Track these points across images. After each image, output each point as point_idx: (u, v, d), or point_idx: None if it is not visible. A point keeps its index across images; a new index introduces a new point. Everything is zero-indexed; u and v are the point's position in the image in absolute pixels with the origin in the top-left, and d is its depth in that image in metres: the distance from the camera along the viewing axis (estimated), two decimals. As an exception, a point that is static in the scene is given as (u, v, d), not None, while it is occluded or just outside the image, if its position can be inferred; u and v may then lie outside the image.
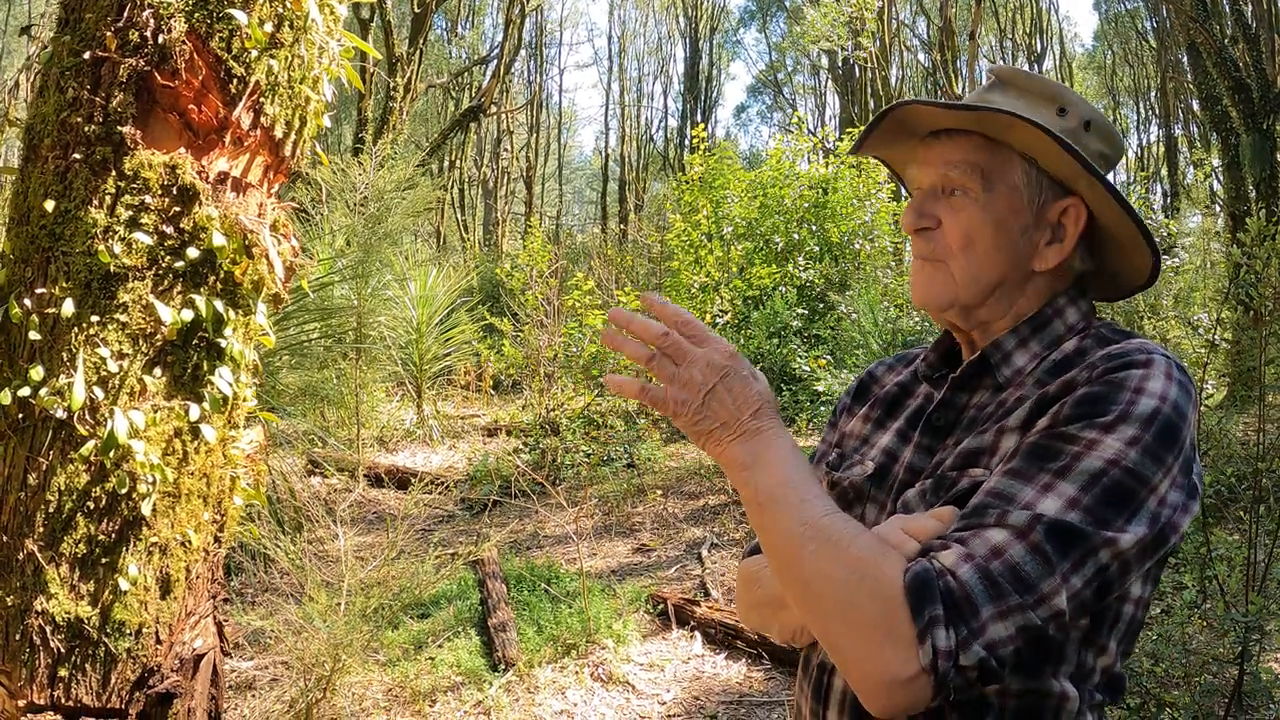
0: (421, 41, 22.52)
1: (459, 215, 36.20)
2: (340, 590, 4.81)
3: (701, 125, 15.86)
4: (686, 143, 35.66)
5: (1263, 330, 4.44)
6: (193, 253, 2.16)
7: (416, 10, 22.54)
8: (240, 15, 2.17)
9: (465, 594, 6.57)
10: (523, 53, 34.91)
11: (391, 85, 20.94)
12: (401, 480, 9.95)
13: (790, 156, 15.08)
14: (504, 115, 35.15)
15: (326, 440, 10.10)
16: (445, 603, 6.45)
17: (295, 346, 9.19)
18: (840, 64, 25.43)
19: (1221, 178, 14.52)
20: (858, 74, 26.65)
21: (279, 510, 7.02)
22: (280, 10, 2.26)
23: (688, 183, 14.86)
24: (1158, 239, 11.95)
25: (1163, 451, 1.17)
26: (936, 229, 1.41)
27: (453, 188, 34.79)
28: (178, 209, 2.15)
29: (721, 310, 13.03)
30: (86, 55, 2.13)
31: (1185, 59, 17.10)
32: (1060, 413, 1.22)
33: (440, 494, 9.47)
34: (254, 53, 2.22)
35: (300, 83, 2.35)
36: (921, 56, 37.60)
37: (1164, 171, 32.50)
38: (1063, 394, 1.25)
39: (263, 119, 2.28)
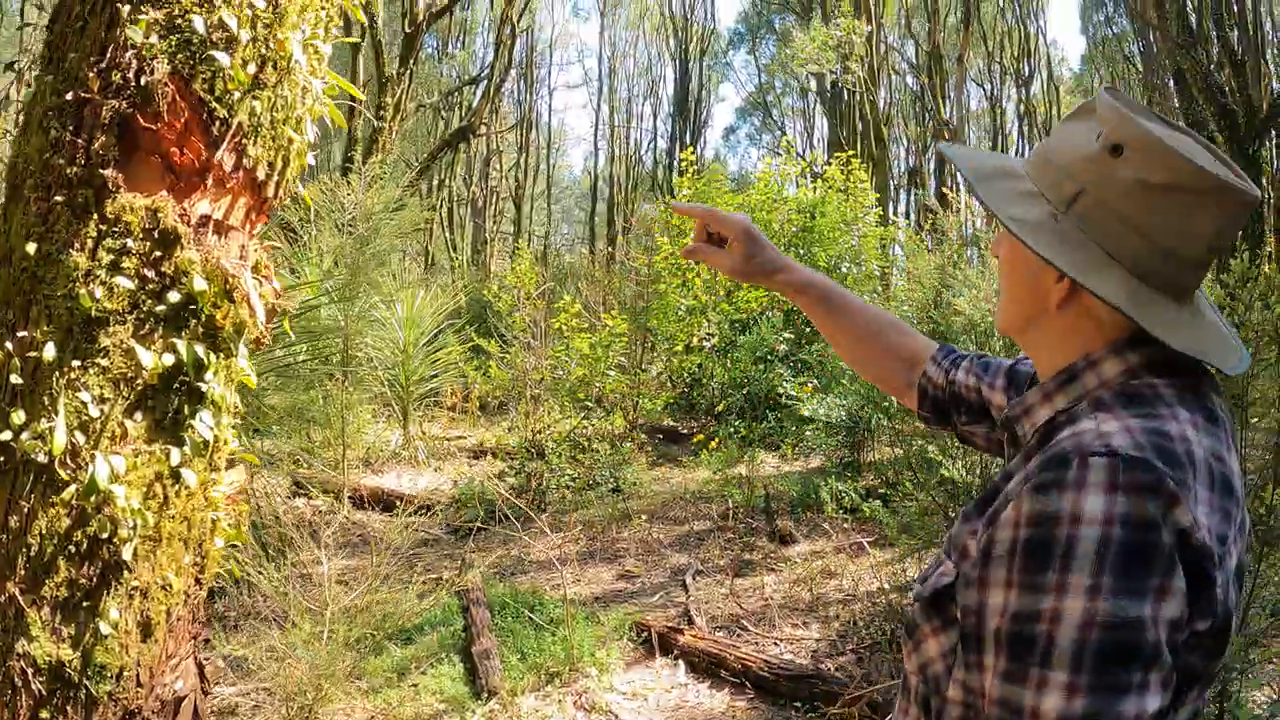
0: (412, 61, 22.54)
1: (447, 234, 36.20)
2: (324, 618, 4.80)
3: (690, 149, 15.87)
4: (675, 164, 35.75)
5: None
6: (174, 297, 2.17)
7: (407, 30, 22.57)
8: (223, 57, 2.18)
9: (449, 620, 6.56)
10: (513, 72, 35.00)
11: (381, 105, 20.94)
12: (387, 503, 9.94)
13: (779, 180, 15.12)
14: (494, 136, 35.18)
15: (312, 461, 10.08)
16: (429, 628, 6.44)
17: (282, 369, 9.17)
18: (829, 87, 25.51)
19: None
20: (846, 97, 26.74)
21: (262, 533, 7.00)
22: (264, 51, 2.28)
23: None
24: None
25: (1135, 579, 1.02)
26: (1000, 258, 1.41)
27: (441, 207, 34.82)
28: (159, 253, 2.16)
29: (708, 334, 13.05)
30: (69, 96, 2.13)
31: (1172, 84, 17.21)
32: (1009, 568, 1.09)
33: (425, 517, 9.46)
34: (237, 94, 2.23)
35: (283, 123, 2.36)
36: (910, 79, 37.80)
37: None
38: (1003, 508, 1.14)
39: (245, 161, 2.29)
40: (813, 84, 23.02)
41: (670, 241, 14.26)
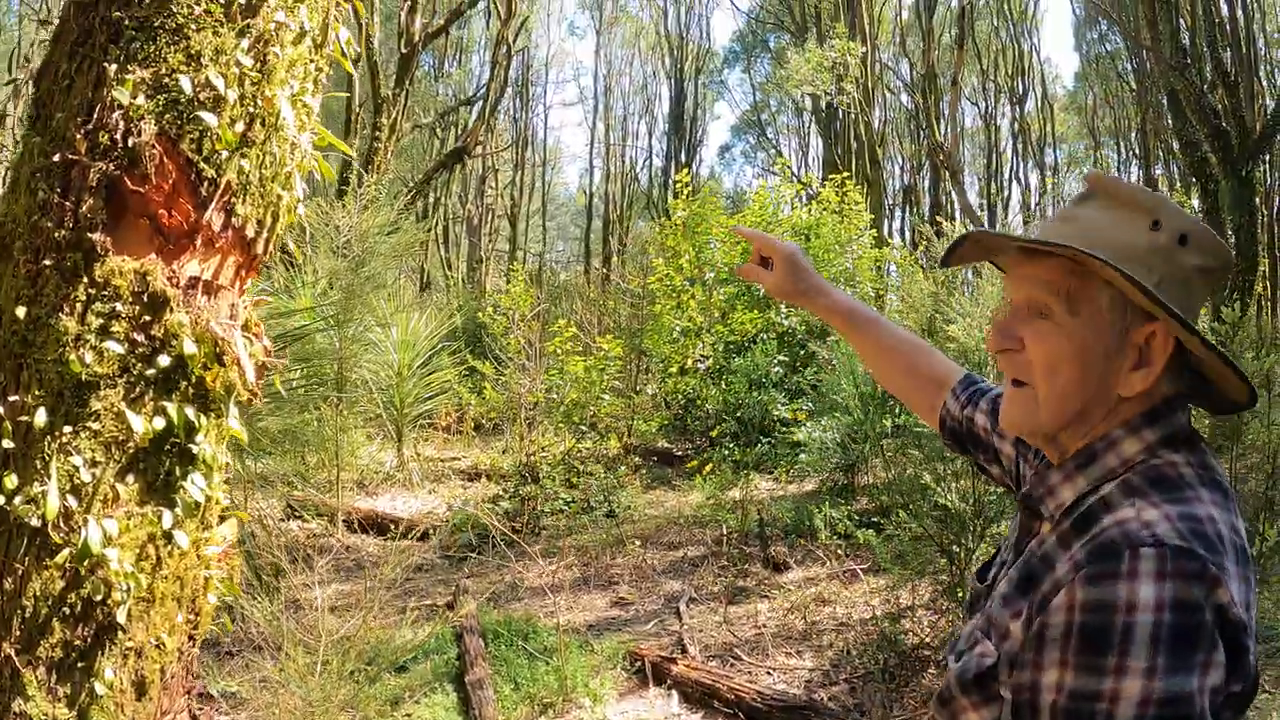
0: (408, 82, 22.58)
1: (443, 252, 36.25)
2: (317, 650, 4.79)
3: (685, 169, 15.96)
4: (671, 182, 35.83)
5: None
6: (164, 360, 2.18)
7: (403, 51, 22.62)
8: (210, 118, 2.19)
9: (443, 648, 6.56)
10: (509, 90, 35.07)
11: (377, 125, 20.97)
12: (381, 526, 9.94)
13: (774, 201, 15.15)
14: (489, 155, 35.23)
15: (305, 483, 10.08)
16: (422, 656, 6.43)
17: (275, 393, 9.17)
18: (824, 107, 25.61)
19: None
20: (841, 116, 26.84)
21: (255, 560, 6.99)
22: (251, 109, 2.29)
23: (671, 227, 14.92)
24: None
25: (1185, 657, 1.10)
26: (1020, 351, 1.39)
27: (437, 225, 34.85)
28: (148, 317, 2.17)
29: (703, 355, 13.06)
30: (57, 157, 2.14)
31: (1165, 104, 17.27)
32: (1064, 649, 1.16)
33: (419, 542, 9.46)
34: (225, 153, 2.24)
35: (272, 180, 2.37)
36: (904, 98, 37.90)
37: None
38: (1053, 594, 1.21)
39: (234, 220, 2.30)
40: (808, 103, 23.07)
41: (665, 263, 14.28)
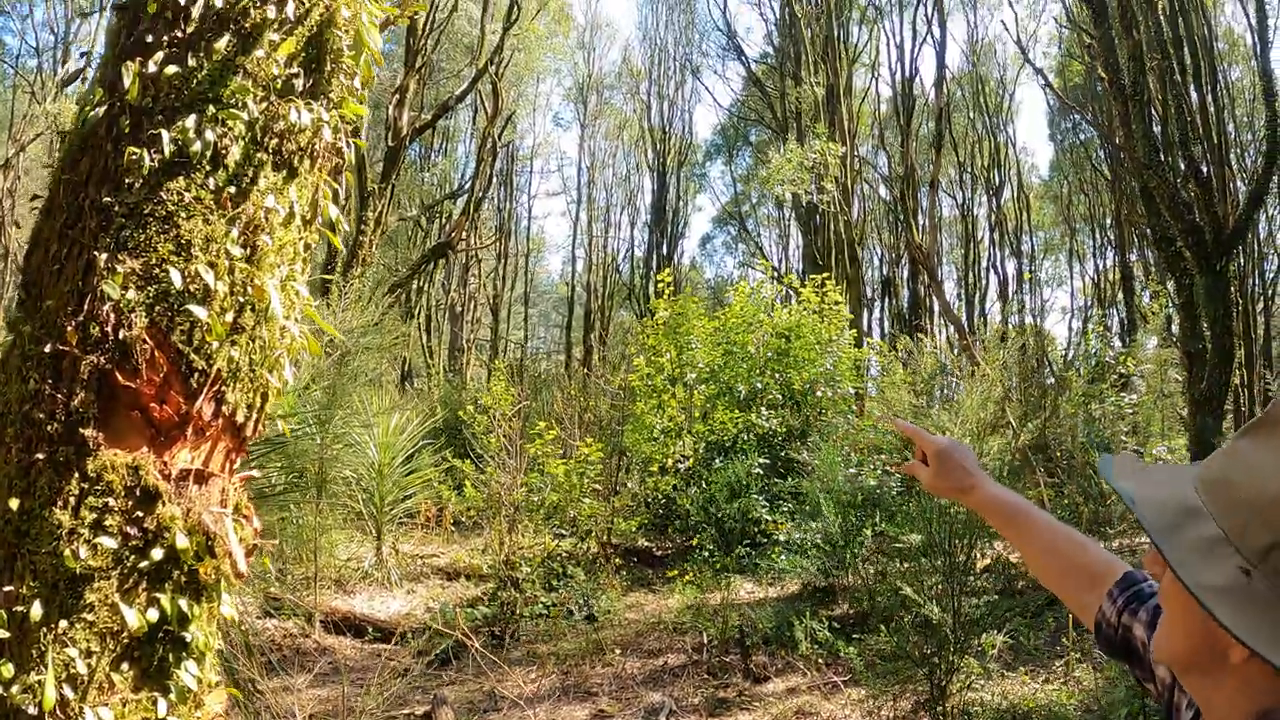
0: (394, 176, 22.79)
1: (425, 340, 36.30)
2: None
3: (667, 268, 16.14)
4: (652, 273, 36.09)
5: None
6: (157, 553, 2.22)
7: (390, 144, 22.85)
8: (200, 311, 2.24)
9: (420, 767, 6.49)
10: (493, 180, 35.38)
11: (362, 219, 21.11)
12: (358, 627, 9.87)
13: (756, 302, 15.26)
14: (473, 250, 35.46)
15: (283, 580, 10.03)
16: (400, 774, 6.37)
17: (257, 490, 9.16)
18: (804, 203, 25.94)
19: (1176, 317, 14.83)
20: (820, 212, 27.17)
21: (233, 664, 6.92)
22: (241, 298, 2.34)
23: (653, 326, 15.03)
24: (1115, 374, 11.97)
25: None
26: (1164, 573, 1.25)
27: (420, 313, 34.95)
28: (141, 511, 2.21)
29: (683, 455, 13.08)
30: (48, 348, 2.19)
31: (1140, 202, 17.56)
32: None
33: (396, 645, 9.40)
34: (215, 343, 2.28)
35: (261, 365, 2.42)
36: (883, 190, 38.37)
37: (1120, 296, 33.05)
38: None
39: (224, 407, 2.35)
40: (788, 197, 23.38)
41: (646, 362, 14.36)
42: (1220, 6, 30.87)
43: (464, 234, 28.27)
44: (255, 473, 2.60)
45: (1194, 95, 18.25)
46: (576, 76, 45.00)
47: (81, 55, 28.28)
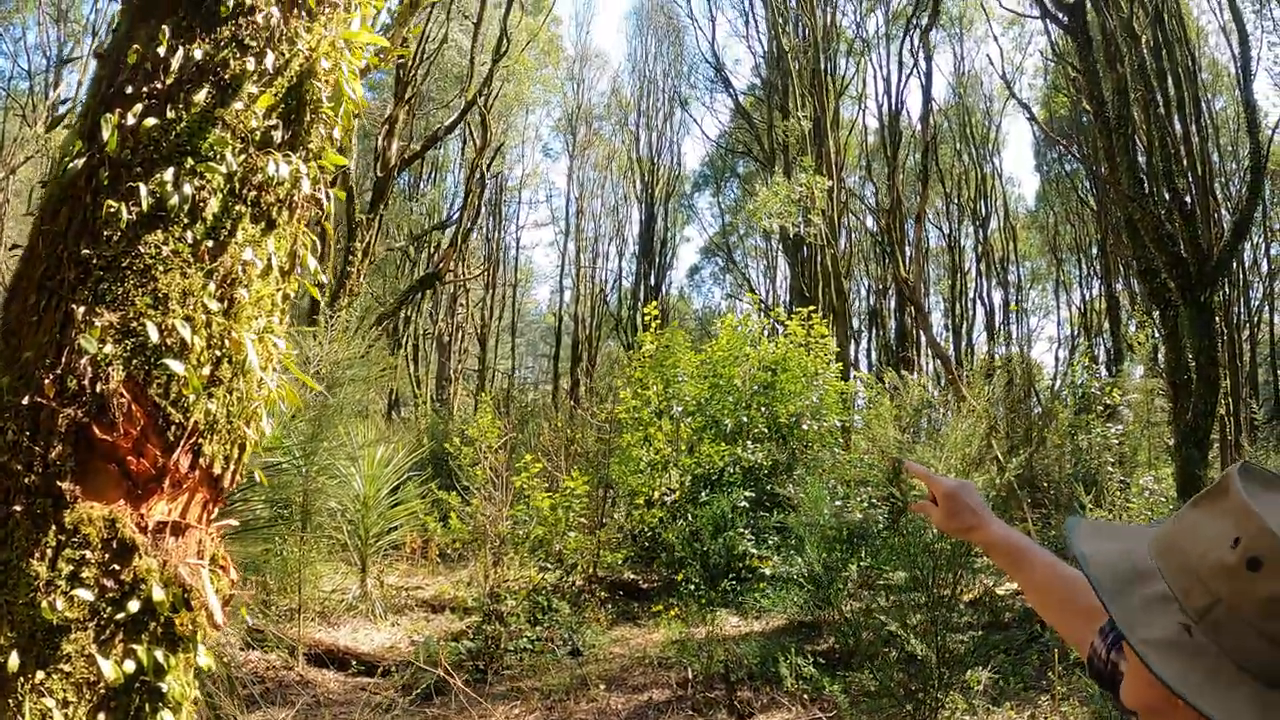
0: (383, 206, 22.81)
1: (413, 369, 36.25)
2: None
3: (654, 301, 16.17)
4: (640, 304, 36.13)
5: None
6: (133, 605, 2.22)
7: (379, 175, 22.89)
8: (176, 365, 2.24)
9: (401, 808, 6.45)
10: (482, 210, 35.44)
11: (350, 249, 21.11)
12: (341, 660, 9.82)
13: (742, 335, 15.28)
14: (460, 281, 35.48)
15: (267, 612, 9.99)
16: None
17: (241, 521, 9.13)
18: (791, 236, 26.02)
19: (1162, 347, 14.91)
20: (807, 244, 27.26)
21: (215, 700, 6.88)
22: (218, 352, 2.35)
23: (639, 359, 15.05)
24: (1100, 405, 12.03)
25: None
26: None
27: (407, 343, 34.93)
28: (117, 564, 2.21)
29: (670, 488, 13.07)
30: (26, 400, 2.19)
31: (1125, 233, 17.66)
32: None
33: (380, 679, 9.36)
34: (192, 396, 2.29)
35: (239, 417, 2.42)
36: (870, 222, 38.51)
37: (1106, 326, 33.20)
38: None
39: (201, 459, 2.35)
40: (775, 229, 23.45)
41: (633, 395, 14.36)
42: (1205, 38, 31.19)
43: (452, 264, 28.30)
44: (233, 522, 2.60)
45: (1178, 126, 18.39)
46: (566, 107, 45.20)
47: (63, 103, 28.35)
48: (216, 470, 2.42)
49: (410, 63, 23.98)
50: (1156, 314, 15.15)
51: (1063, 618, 2.00)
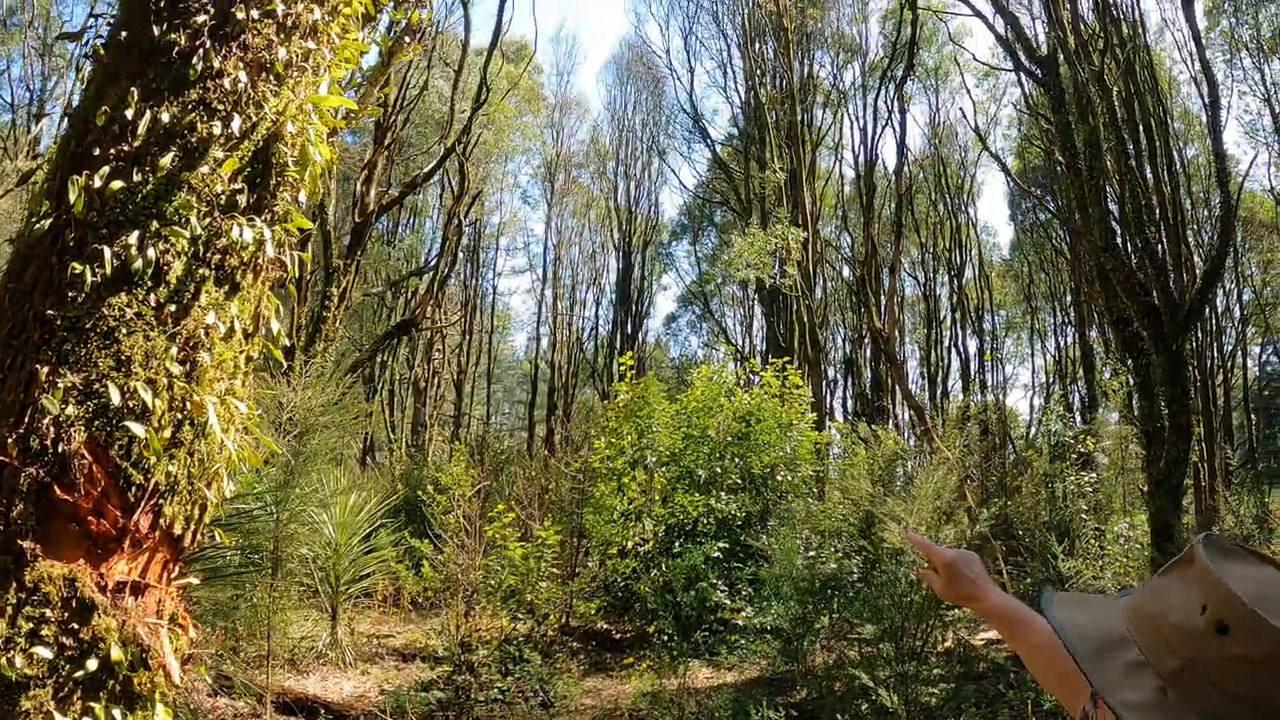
0: (360, 252, 22.82)
1: (388, 415, 36.13)
2: None
3: (629, 353, 16.19)
4: (616, 353, 36.19)
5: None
6: (92, 664, 2.23)
7: (357, 220, 22.90)
8: (138, 427, 2.26)
9: None
10: (459, 257, 35.48)
11: (326, 294, 21.08)
12: (310, 709, 9.73)
13: (716, 383, 15.30)
14: (438, 324, 35.46)
15: (236, 657, 9.91)
16: None
17: (212, 566, 9.08)
18: (767, 286, 26.17)
19: (1135, 395, 15.01)
20: (783, 294, 27.41)
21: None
22: (179, 415, 2.36)
23: (614, 408, 15.06)
24: (1075, 453, 12.08)
25: None
26: None
27: (383, 388, 34.84)
28: (76, 623, 2.21)
29: (643, 538, 13.04)
30: (-13, 458, 2.19)
31: (1098, 282, 17.82)
32: None
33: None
34: (153, 458, 2.30)
35: (199, 479, 2.44)
36: (845, 271, 38.74)
37: (1081, 373, 33.38)
38: None
39: (162, 520, 2.37)
40: (751, 278, 23.59)
41: (607, 444, 14.36)
42: (1177, 87, 31.64)
43: (429, 310, 28.29)
44: (194, 580, 2.60)
45: (1150, 175, 18.62)
46: (545, 155, 45.38)
47: (35, 158, 28.35)
48: (177, 531, 2.43)
49: (390, 109, 24.07)
50: (1130, 362, 15.27)
51: (1055, 678, 2.07)
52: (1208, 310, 27.70)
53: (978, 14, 19.50)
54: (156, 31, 2.62)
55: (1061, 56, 15.92)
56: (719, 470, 13.77)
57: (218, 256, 2.49)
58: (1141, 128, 17.96)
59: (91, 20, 3.04)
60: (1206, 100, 16.69)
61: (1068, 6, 16.26)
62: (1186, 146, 31.11)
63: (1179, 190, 23.28)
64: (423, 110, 32.33)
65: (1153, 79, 21.47)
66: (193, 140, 2.49)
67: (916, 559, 8.36)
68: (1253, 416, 35.61)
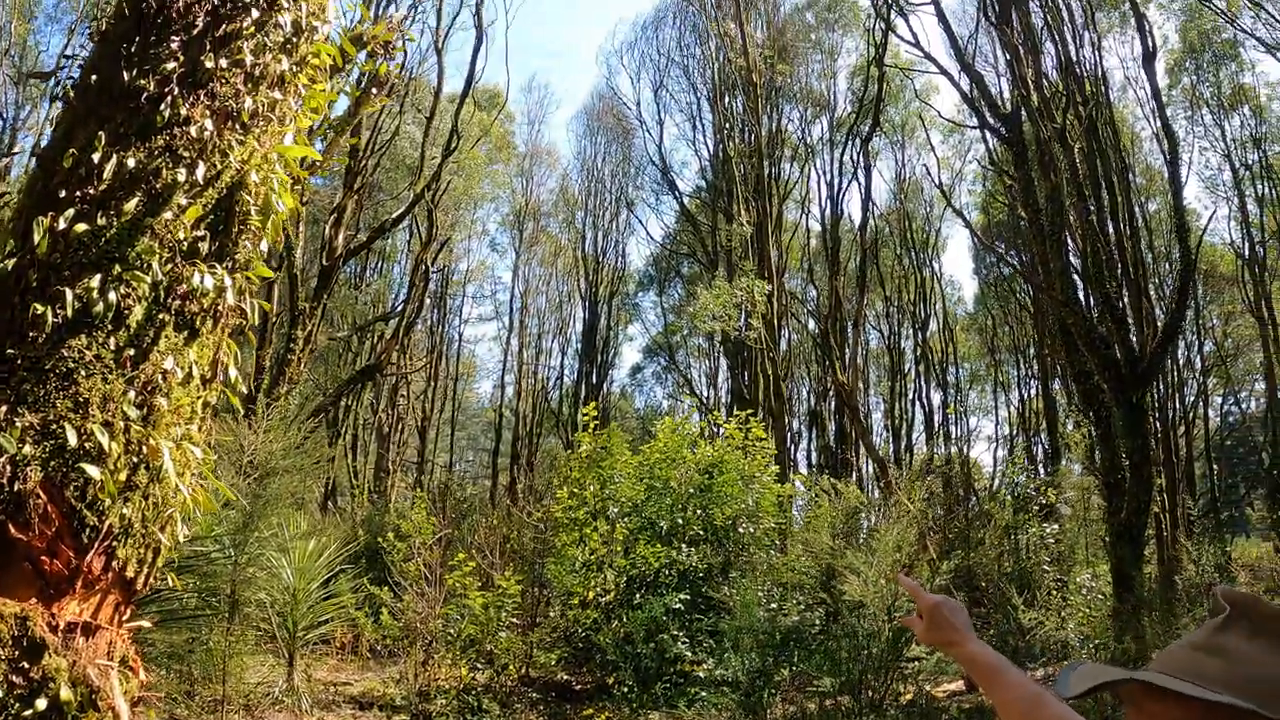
0: (326, 296, 22.76)
1: (351, 459, 35.89)
2: None
3: (593, 405, 16.20)
4: (581, 403, 36.15)
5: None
6: (40, 703, 2.22)
7: (324, 264, 22.85)
8: (94, 470, 2.28)
9: None
10: (426, 303, 35.44)
11: (292, 337, 20.98)
12: (265, 760, 9.63)
13: (680, 434, 15.33)
14: (402, 371, 35.36)
15: (190, 702, 9.79)
16: None
17: (167, 608, 8.99)
18: (732, 339, 26.31)
19: (1097, 447, 15.18)
20: (748, 347, 27.56)
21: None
22: (135, 458, 2.38)
23: (577, 459, 15.07)
24: (1037, 505, 12.16)
25: None
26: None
27: (346, 433, 34.64)
28: (26, 661, 2.21)
29: (604, 589, 13.00)
30: (-57, 492, 2.19)
31: (1059, 337, 18.03)
32: None
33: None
34: (108, 500, 2.31)
35: (154, 522, 2.45)
36: (811, 324, 38.92)
37: (1044, 425, 33.61)
38: None
39: (115, 562, 2.38)
40: (717, 329, 23.70)
41: (569, 494, 14.35)
42: (1139, 144, 32.14)
43: (394, 356, 28.22)
44: (145, 623, 2.61)
45: (1112, 230, 18.88)
46: (514, 203, 45.46)
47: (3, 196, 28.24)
48: (130, 573, 2.44)
49: (361, 153, 24.12)
50: (1092, 414, 15.45)
51: None
52: (1169, 362, 28.02)
53: (943, 72, 19.87)
54: (126, 76, 2.66)
55: (1025, 113, 16.21)
56: (681, 521, 13.78)
57: (178, 302, 2.51)
58: (1104, 183, 18.23)
59: (64, 61, 3.08)
60: (1167, 156, 16.98)
61: (1031, 65, 16.57)
62: (1148, 201, 31.54)
63: (1140, 244, 23.57)
64: (394, 155, 32.37)
65: (1115, 135, 21.83)
66: (157, 186, 2.52)
67: (876, 613, 8.42)
68: (1214, 466, 35.95)
